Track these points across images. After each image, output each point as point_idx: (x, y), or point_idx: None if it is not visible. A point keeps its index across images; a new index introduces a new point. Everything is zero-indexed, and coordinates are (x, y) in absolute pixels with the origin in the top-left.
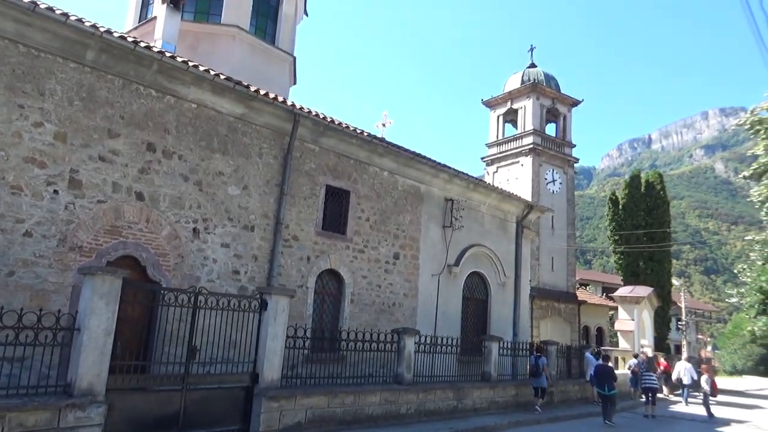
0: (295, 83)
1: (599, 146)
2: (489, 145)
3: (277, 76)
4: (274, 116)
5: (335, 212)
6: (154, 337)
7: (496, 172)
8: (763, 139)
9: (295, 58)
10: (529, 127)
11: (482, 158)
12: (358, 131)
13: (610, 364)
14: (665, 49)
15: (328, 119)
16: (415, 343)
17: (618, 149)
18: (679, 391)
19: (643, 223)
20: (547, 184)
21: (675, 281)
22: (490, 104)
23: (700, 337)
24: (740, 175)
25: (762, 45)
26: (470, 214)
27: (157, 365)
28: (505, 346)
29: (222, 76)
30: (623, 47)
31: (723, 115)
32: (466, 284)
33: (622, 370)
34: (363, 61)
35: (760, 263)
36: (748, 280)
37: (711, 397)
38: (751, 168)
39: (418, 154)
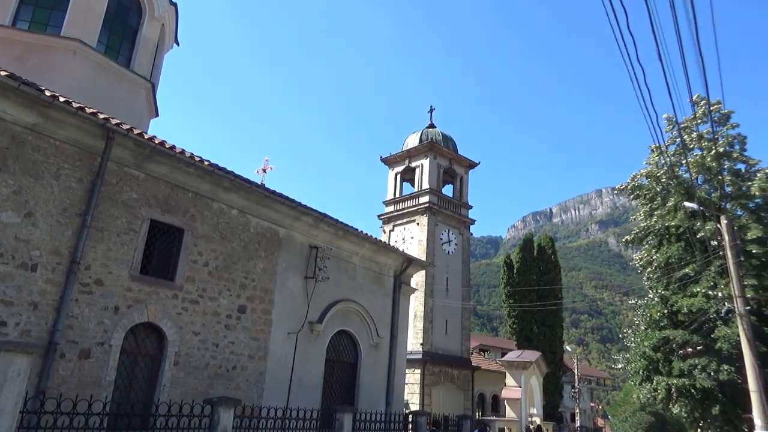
0: (156, 115)
1: (505, 218)
2: (386, 203)
3: (130, 103)
4: (81, 131)
5: (163, 254)
6: None
7: (393, 230)
8: (642, 204)
9: (154, 86)
10: (426, 185)
11: (379, 216)
12: (197, 158)
13: None
14: (563, 124)
15: (156, 141)
16: (237, 416)
17: (522, 221)
18: None
19: (535, 287)
20: (442, 244)
21: (568, 347)
22: (389, 162)
23: (592, 405)
24: (623, 240)
25: (648, 115)
26: (339, 266)
27: None
28: (369, 418)
29: (3, 72)
30: (524, 117)
31: (614, 194)
32: (331, 345)
33: None
34: (253, 108)
35: (643, 328)
36: (633, 345)
37: None
38: (633, 233)
39: (275, 192)
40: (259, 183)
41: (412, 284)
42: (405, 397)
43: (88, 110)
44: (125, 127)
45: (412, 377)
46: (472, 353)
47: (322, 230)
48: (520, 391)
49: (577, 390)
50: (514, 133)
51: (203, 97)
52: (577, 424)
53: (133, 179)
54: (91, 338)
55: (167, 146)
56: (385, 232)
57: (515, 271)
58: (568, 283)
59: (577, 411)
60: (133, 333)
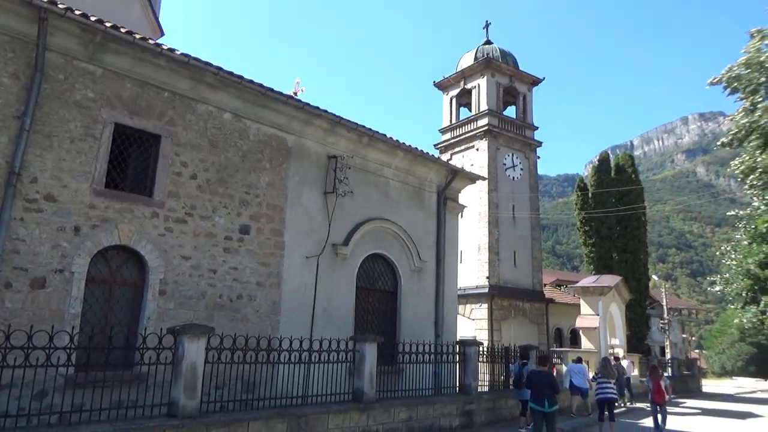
0: (161, 34)
1: (583, 154)
2: (442, 131)
3: (119, 17)
4: (8, 13)
5: (136, 165)
6: None
7: (450, 159)
8: (741, 98)
9: None
10: (484, 107)
11: (435, 145)
12: (165, 47)
13: (566, 367)
14: (643, 55)
15: (107, 24)
16: (212, 348)
17: (601, 156)
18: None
19: (614, 210)
20: (506, 169)
21: (655, 276)
22: (443, 86)
23: (684, 336)
24: (718, 143)
25: None
26: (367, 179)
27: None
28: (409, 350)
29: None
30: (604, 54)
31: (702, 120)
32: (362, 270)
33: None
34: (284, 31)
35: (746, 243)
36: (734, 263)
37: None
38: (730, 132)
39: (273, 90)
40: (206, 61)
41: (466, 204)
42: (473, 333)
43: None
44: (63, 6)
45: (479, 312)
46: (545, 286)
47: (341, 136)
48: (597, 319)
49: (666, 321)
50: (587, 57)
51: (225, 15)
52: (668, 356)
53: (87, 75)
54: (45, 264)
55: (123, 31)
56: None
57: (589, 194)
58: (653, 217)
59: (667, 343)
60: (104, 258)
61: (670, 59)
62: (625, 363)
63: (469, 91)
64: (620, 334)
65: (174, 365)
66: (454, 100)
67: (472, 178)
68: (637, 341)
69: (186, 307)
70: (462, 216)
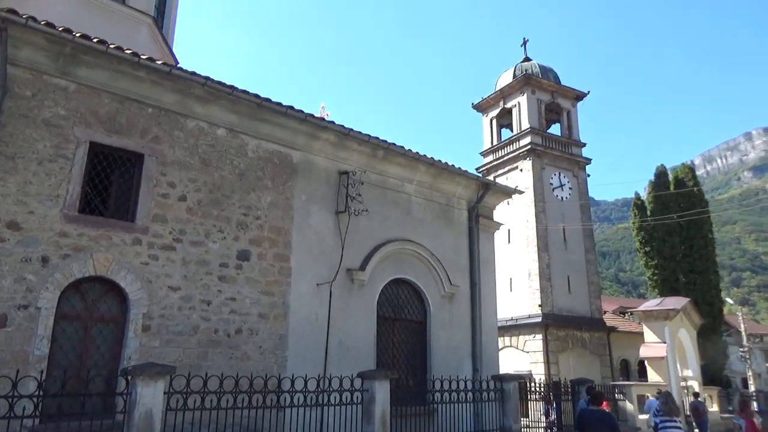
0: (176, 62)
1: (642, 176)
2: (483, 154)
3: (126, 42)
4: None
5: (118, 188)
6: None
7: None
8: None
9: (158, 23)
10: (526, 126)
11: (477, 169)
12: (144, 58)
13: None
14: (697, 74)
15: (76, 34)
16: (168, 392)
17: None
18: None
19: (677, 228)
20: (553, 189)
21: (729, 299)
22: (482, 107)
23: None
24: None
25: None
26: (386, 197)
27: None
28: (442, 387)
29: None
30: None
31: None
32: (383, 298)
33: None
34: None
35: None
36: None
37: None
38: None
39: (269, 100)
40: (191, 71)
41: (503, 222)
42: (527, 367)
43: None
44: (24, 15)
45: (534, 344)
46: (606, 313)
47: (353, 150)
48: (664, 347)
49: (747, 349)
50: (640, 75)
51: (245, 36)
52: (752, 389)
53: (58, 91)
54: (6, 300)
55: (95, 40)
56: None
57: (648, 213)
58: (723, 239)
59: (750, 374)
60: (79, 292)
61: (726, 76)
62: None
63: (510, 111)
64: (693, 365)
65: (125, 414)
66: (494, 121)
67: (507, 192)
68: (714, 372)
69: (174, 344)
70: (509, 242)
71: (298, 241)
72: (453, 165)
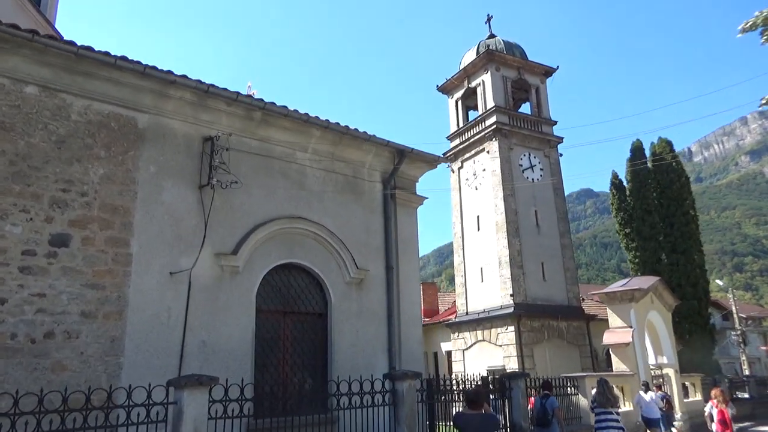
0: (38, 8)
1: None
2: (450, 137)
3: None
4: None
5: None
6: None
7: (461, 167)
8: None
9: None
10: (491, 104)
11: (444, 153)
12: None
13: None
14: (698, 58)
15: None
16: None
17: None
18: None
19: (656, 206)
20: (523, 171)
21: (719, 281)
22: (446, 89)
23: (765, 349)
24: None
25: None
26: (272, 167)
27: None
28: (352, 389)
29: None
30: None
31: (764, 118)
32: (267, 287)
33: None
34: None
35: None
36: None
37: None
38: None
39: (93, 50)
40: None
41: (427, 197)
42: (501, 362)
43: None
44: None
45: (506, 336)
46: (583, 300)
47: (221, 112)
48: (629, 332)
49: (739, 333)
50: (631, 56)
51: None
52: (747, 374)
53: None
54: None
55: None
56: (454, 171)
57: (626, 192)
58: (723, 224)
59: (743, 359)
60: None
61: (718, 59)
62: (650, 395)
63: (475, 91)
64: (668, 351)
65: None
66: (459, 103)
67: (429, 161)
68: (701, 358)
69: None
70: (479, 229)
71: (143, 221)
72: (356, 129)
